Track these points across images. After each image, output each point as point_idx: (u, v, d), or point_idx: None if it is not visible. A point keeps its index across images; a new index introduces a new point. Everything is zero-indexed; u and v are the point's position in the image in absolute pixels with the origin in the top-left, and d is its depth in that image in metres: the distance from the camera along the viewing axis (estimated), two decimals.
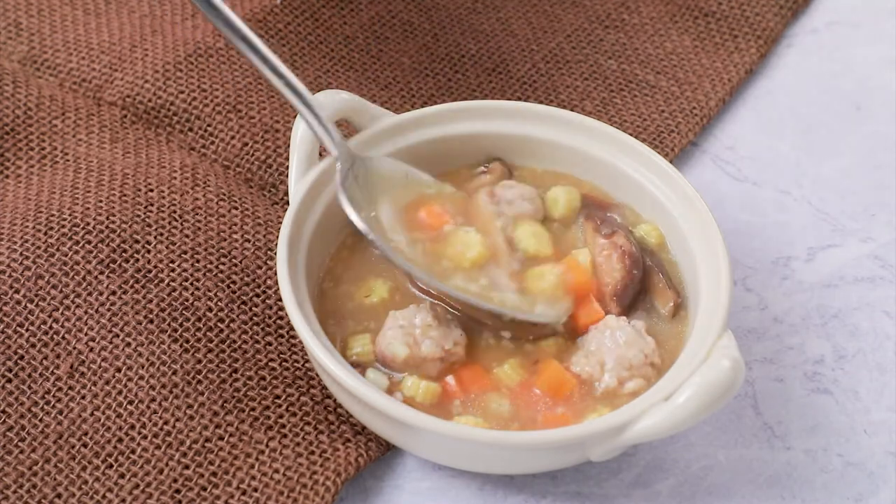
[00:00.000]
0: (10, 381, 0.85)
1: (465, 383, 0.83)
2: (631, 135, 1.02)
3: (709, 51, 1.12)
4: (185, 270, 0.90)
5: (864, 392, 0.90)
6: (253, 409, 0.85)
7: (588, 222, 0.92)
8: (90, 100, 1.04)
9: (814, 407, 0.89)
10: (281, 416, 0.85)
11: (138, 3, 1.12)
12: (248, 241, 0.93)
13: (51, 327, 0.87)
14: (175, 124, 1.02)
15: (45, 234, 0.91)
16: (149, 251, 0.91)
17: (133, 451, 0.82)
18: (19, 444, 0.82)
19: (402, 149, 0.93)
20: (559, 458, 0.81)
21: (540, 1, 1.15)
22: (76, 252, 0.90)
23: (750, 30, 1.14)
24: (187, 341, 0.87)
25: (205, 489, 0.81)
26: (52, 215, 0.92)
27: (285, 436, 0.84)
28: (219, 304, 0.89)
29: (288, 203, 0.94)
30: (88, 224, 0.91)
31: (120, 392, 0.85)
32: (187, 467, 0.82)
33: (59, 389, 0.85)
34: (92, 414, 0.84)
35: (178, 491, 0.81)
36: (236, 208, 0.95)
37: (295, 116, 0.99)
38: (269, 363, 0.87)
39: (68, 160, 0.98)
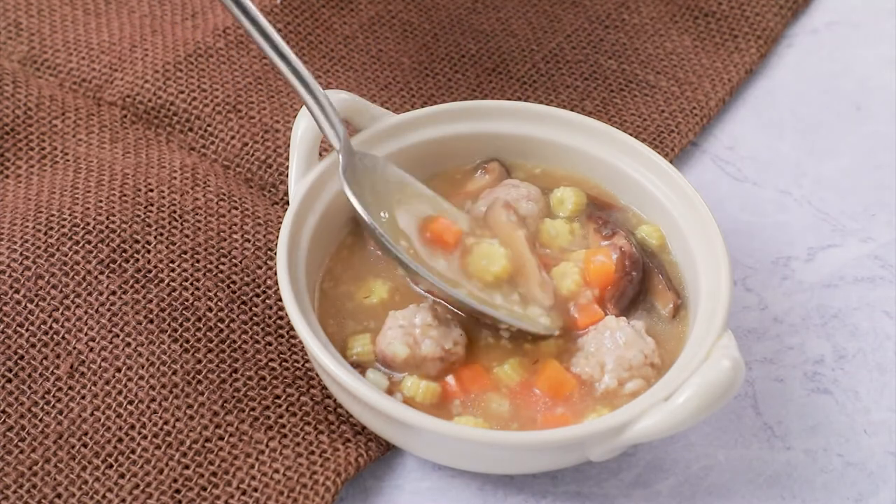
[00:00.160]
0: (10, 381, 0.85)
1: (465, 383, 0.83)
2: (631, 135, 1.02)
3: (709, 51, 1.12)
4: (185, 270, 0.90)
5: (864, 392, 0.90)
6: (253, 409, 0.85)
7: (589, 223, 0.92)
8: (90, 100, 1.04)
9: (814, 407, 0.89)
10: (281, 416, 0.85)
11: (138, 3, 1.12)
12: (248, 241, 0.93)
13: (51, 327, 0.87)
14: (175, 124, 1.02)
15: (45, 234, 0.91)
16: (149, 251, 0.91)
17: (133, 451, 0.82)
18: (19, 444, 0.82)
19: (402, 149, 0.93)
20: (559, 458, 0.81)
21: (540, 1, 1.15)
22: (76, 252, 0.90)
23: (750, 30, 1.14)
24: (187, 341, 0.87)
25: (205, 489, 0.81)
26: (52, 215, 0.92)
27: (285, 436, 0.84)
28: (219, 304, 0.89)
29: (288, 203, 0.94)
30: (88, 224, 0.91)
31: (120, 392, 0.85)
32: (187, 467, 0.82)
33: (59, 389, 0.85)
34: (92, 414, 0.84)
35: (178, 491, 0.81)
36: (236, 208, 0.95)
37: (295, 116, 0.99)
38: (269, 363, 0.87)
39: (68, 160, 0.98)
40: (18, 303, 0.88)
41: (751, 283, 0.96)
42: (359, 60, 1.08)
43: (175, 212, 0.93)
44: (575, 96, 1.07)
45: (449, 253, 0.87)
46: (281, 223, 0.91)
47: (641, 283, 0.88)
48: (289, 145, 0.95)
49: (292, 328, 0.89)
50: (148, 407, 0.84)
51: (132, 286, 0.89)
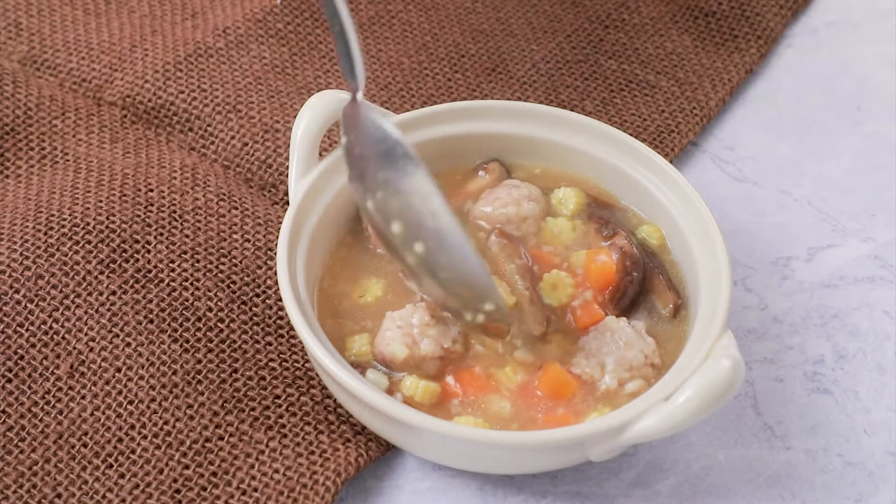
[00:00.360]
0: (10, 381, 0.85)
1: (465, 384, 0.83)
2: (631, 135, 1.02)
3: (709, 51, 1.12)
4: (185, 270, 0.90)
5: (864, 392, 0.90)
6: (253, 409, 0.85)
7: (590, 223, 0.92)
8: (90, 100, 1.04)
9: (814, 407, 0.89)
10: (281, 416, 0.85)
11: (138, 3, 1.12)
12: (248, 241, 0.93)
13: (51, 327, 0.87)
14: (175, 124, 1.02)
15: (45, 234, 0.91)
16: (149, 251, 0.91)
17: (133, 451, 0.82)
18: (19, 444, 0.82)
19: None
20: (559, 458, 0.81)
21: (540, 1, 1.15)
22: (76, 252, 0.90)
23: (750, 30, 1.14)
24: (187, 341, 0.87)
25: (205, 489, 0.81)
26: (52, 215, 0.92)
27: (285, 436, 0.84)
28: (219, 304, 0.89)
29: (288, 203, 0.94)
30: (88, 224, 0.91)
31: (120, 392, 0.85)
32: (187, 467, 0.82)
33: (59, 389, 0.85)
34: (92, 414, 0.84)
35: (178, 491, 0.81)
36: (236, 208, 0.95)
37: (295, 116, 0.99)
38: (269, 363, 0.87)
39: (68, 160, 0.98)
40: (18, 303, 0.88)
41: (751, 283, 0.96)
42: None
43: (175, 212, 0.93)
44: (575, 96, 1.07)
45: None
46: (281, 223, 0.91)
47: (642, 284, 0.88)
48: (289, 145, 0.95)
49: (292, 328, 0.89)
50: (148, 407, 0.84)
51: (132, 286, 0.89)
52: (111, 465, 0.82)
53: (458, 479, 0.85)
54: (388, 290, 0.88)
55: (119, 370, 0.85)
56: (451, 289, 0.82)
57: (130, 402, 0.84)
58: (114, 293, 0.88)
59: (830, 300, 0.95)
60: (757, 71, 1.12)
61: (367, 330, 0.86)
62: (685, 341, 0.85)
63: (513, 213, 0.91)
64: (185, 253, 0.91)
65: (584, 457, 0.81)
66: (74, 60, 1.07)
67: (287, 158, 0.99)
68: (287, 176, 0.98)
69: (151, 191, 0.94)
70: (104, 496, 0.81)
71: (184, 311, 0.88)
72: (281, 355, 0.88)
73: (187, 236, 0.92)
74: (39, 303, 0.88)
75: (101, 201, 0.93)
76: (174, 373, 0.85)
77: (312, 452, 0.83)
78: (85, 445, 0.82)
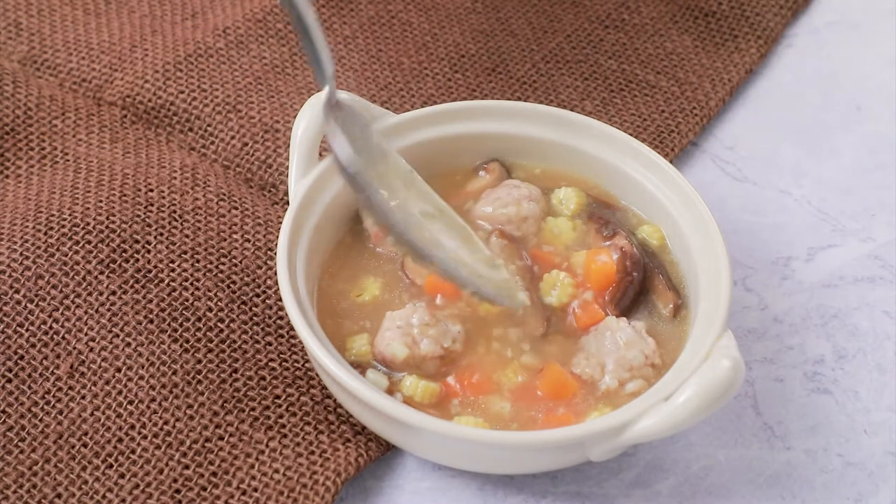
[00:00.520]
0: (10, 381, 0.85)
1: (465, 384, 0.83)
2: (631, 135, 1.01)
3: (709, 51, 1.12)
4: (185, 270, 0.90)
5: (864, 392, 0.90)
6: (253, 409, 0.85)
7: (590, 223, 0.92)
8: (90, 100, 1.04)
9: (814, 407, 0.89)
10: (281, 416, 0.85)
11: (138, 3, 1.12)
12: (248, 241, 0.93)
13: (51, 327, 0.87)
14: (175, 124, 1.02)
15: (45, 234, 0.91)
16: (149, 251, 0.91)
17: (133, 451, 0.82)
18: (19, 444, 0.82)
19: (402, 149, 0.93)
20: (559, 458, 0.81)
21: (540, 1, 1.15)
22: (76, 252, 0.90)
23: (750, 30, 1.14)
24: (187, 341, 0.87)
25: (205, 489, 0.81)
26: (52, 215, 0.92)
27: (285, 436, 0.84)
28: (219, 304, 0.89)
29: (288, 203, 0.94)
30: (88, 224, 0.91)
31: (120, 392, 0.85)
32: (187, 467, 0.82)
33: (59, 389, 0.85)
34: (92, 414, 0.84)
35: (178, 491, 0.81)
36: (236, 208, 0.95)
37: (295, 116, 0.99)
38: (269, 363, 0.87)
39: (68, 160, 0.98)
40: (18, 303, 0.88)
41: (751, 283, 0.96)
42: (359, 60, 1.08)
43: (175, 212, 0.93)
44: (575, 96, 1.07)
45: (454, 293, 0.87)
46: (281, 223, 0.91)
47: (642, 284, 0.88)
48: (289, 145, 0.95)
49: (292, 328, 0.89)
50: (148, 407, 0.84)
51: (132, 286, 0.89)
52: (111, 465, 0.82)
53: (458, 479, 0.85)
54: (385, 290, 0.88)
55: (119, 370, 0.85)
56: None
57: (130, 402, 0.84)
58: (114, 293, 0.88)
59: (830, 300, 0.95)
60: (757, 71, 1.12)
61: (366, 330, 0.86)
62: (685, 341, 0.85)
63: (513, 214, 0.91)
64: (185, 253, 0.91)
65: (584, 457, 0.81)
66: (74, 60, 1.07)
67: (287, 158, 0.99)
68: (287, 176, 0.98)
69: (151, 191, 0.94)
70: (104, 496, 0.81)
71: (184, 311, 0.88)
72: (281, 355, 0.88)
73: (187, 236, 0.92)
74: (39, 303, 0.88)
75: (101, 201, 0.93)
76: (174, 373, 0.85)
77: (312, 452, 0.83)
78: (85, 445, 0.82)
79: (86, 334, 0.87)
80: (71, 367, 0.86)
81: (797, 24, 1.17)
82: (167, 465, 0.82)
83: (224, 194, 0.95)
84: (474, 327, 0.86)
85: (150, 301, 0.88)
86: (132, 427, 0.83)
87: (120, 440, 0.83)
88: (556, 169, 0.95)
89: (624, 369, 0.83)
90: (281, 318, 0.89)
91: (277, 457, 0.83)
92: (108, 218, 0.92)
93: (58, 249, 0.90)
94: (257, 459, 0.83)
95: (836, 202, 1.02)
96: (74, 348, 0.86)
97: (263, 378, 0.86)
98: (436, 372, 0.84)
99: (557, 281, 0.88)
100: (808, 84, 1.12)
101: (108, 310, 0.88)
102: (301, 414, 0.85)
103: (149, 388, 0.85)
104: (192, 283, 0.89)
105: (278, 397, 0.85)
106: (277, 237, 0.93)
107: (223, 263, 0.91)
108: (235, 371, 0.86)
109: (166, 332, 0.87)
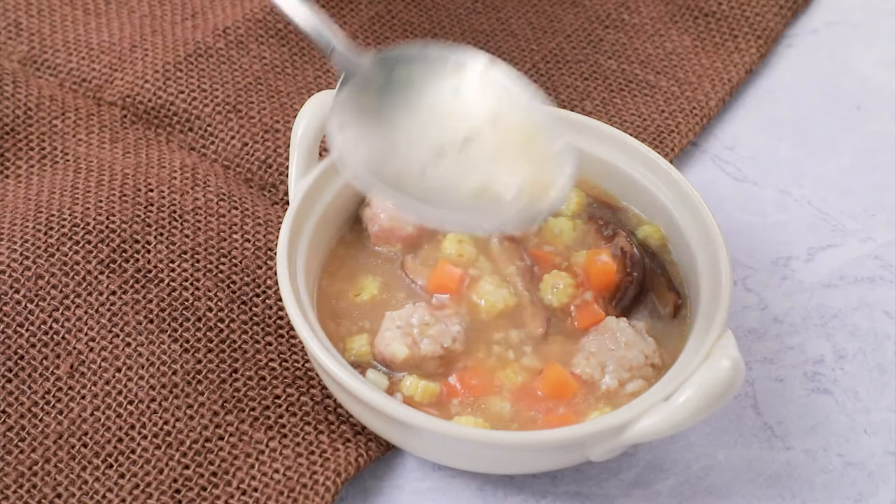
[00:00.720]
0: (10, 381, 0.85)
1: (465, 384, 0.83)
2: (631, 135, 1.01)
3: (709, 51, 1.12)
4: (185, 270, 0.90)
5: (864, 392, 0.90)
6: (253, 409, 0.85)
7: (590, 223, 0.92)
8: (90, 100, 1.04)
9: (814, 407, 0.89)
10: (281, 416, 0.85)
11: (138, 3, 1.12)
12: (248, 241, 0.93)
13: (51, 327, 0.87)
14: (175, 124, 1.02)
15: (45, 234, 0.91)
16: (149, 251, 0.91)
17: (133, 451, 0.82)
18: (19, 444, 0.82)
19: None
20: (559, 458, 0.81)
21: (540, 1, 1.15)
22: (76, 252, 0.90)
23: (750, 30, 1.14)
24: (187, 341, 0.87)
25: (205, 489, 0.81)
26: (52, 215, 0.92)
27: (285, 436, 0.84)
28: (219, 304, 0.89)
29: (288, 203, 0.94)
30: (88, 224, 0.91)
31: (120, 392, 0.85)
32: (187, 467, 0.82)
33: (59, 389, 0.85)
34: (92, 414, 0.84)
35: (178, 491, 0.81)
36: (236, 208, 0.95)
37: (295, 116, 0.99)
38: (269, 363, 0.87)
39: (68, 160, 0.98)
40: (18, 303, 0.88)
41: (751, 283, 0.96)
42: None
43: (175, 212, 0.93)
44: (575, 96, 1.07)
45: (456, 293, 0.87)
46: (281, 223, 0.91)
47: (642, 284, 0.88)
48: (289, 145, 0.95)
49: (292, 328, 0.89)
50: (148, 407, 0.84)
51: (132, 286, 0.89)
52: (111, 465, 0.82)
53: (458, 479, 0.85)
54: (384, 289, 0.88)
55: (119, 370, 0.85)
56: None
57: (130, 402, 0.84)
58: (114, 293, 0.88)
59: (830, 300, 0.95)
60: (757, 71, 1.12)
61: (365, 330, 0.86)
62: (685, 341, 0.85)
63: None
64: (185, 253, 0.91)
65: (584, 457, 0.81)
66: (74, 60, 1.07)
67: (287, 158, 0.99)
68: (287, 176, 0.98)
69: (151, 191, 0.94)
70: (104, 496, 0.81)
71: (184, 311, 0.88)
72: (281, 355, 0.88)
73: (187, 236, 0.92)
74: (39, 303, 0.88)
75: (101, 201, 0.93)
76: (174, 373, 0.85)
77: (312, 452, 0.83)
78: (85, 445, 0.82)
79: (86, 334, 0.87)
80: (71, 367, 0.86)
81: (797, 24, 1.17)
82: (167, 465, 0.82)
83: (224, 194, 0.95)
84: (474, 328, 0.86)
85: (150, 301, 0.88)
86: (132, 427, 0.83)
87: (120, 440, 0.83)
88: None
89: (624, 369, 0.83)
90: (281, 318, 0.89)
91: (277, 457, 0.83)
92: (108, 218, 0.92)
93: (58, 249, 0.90)
94: (257, 459, 0.83)
95: (836, 202, 1.02)
96: (74, 348, 0.86)
97: (263, 378, 0.86)
98: (436, 372, 0.84)
99: (557, 281, 0.88)
100: (808, 84, 1.12)
101: (108, 310, 0.88)
102: (301, 414, 0.85)
103: (149, 388, 0.85)
104: (192, 283, 0.89)
105: (278, 397, 0.85)
106: (277, 237, 0.93)
107: (223, 263, 0.91)
108: (235, 371, 0.86)
109: (166, 332, 0.87)
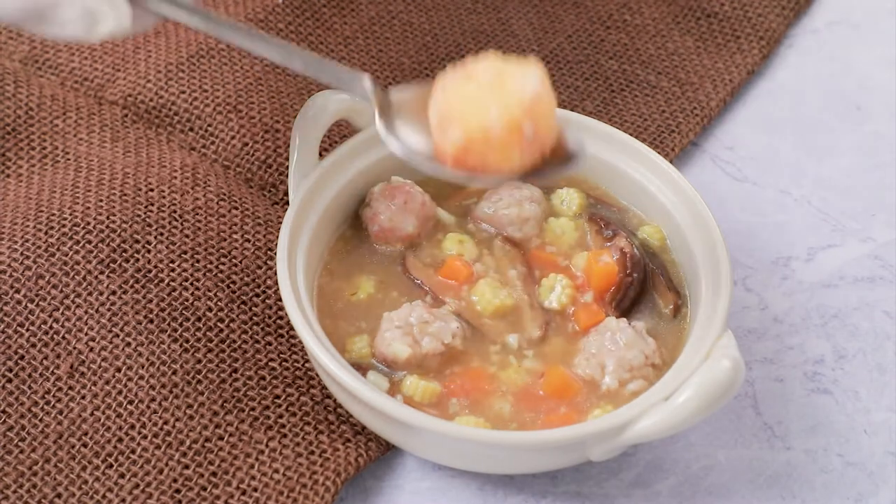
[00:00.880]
0: (10, 381, 0.85)
1: (465, 384, 0.83)
2: (631, 135, 1.01)
3: (710, 51, 1.12)
4: (185, 270, 0.90)
5: (864, 392, 0.90)
6: (253, 409, 0.85)
7: (591, 224, 0.92)
8: (91, 99, 1.04)
9: (814, 407, 0.89)
10: (281, 416, 0.85)
11: None
12: (248, 241, 0.93)
13: (51, 327, 0.87)
14: (176, 124, 1.03)
15: (46, 233, 0.91)
16: (149, 251, 0.91)
17: (133, 451, 0.82)
18: (19, 444, 0.82)
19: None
20: (559, 458, 0.81)
21: (541, 1, 1.15)
22: (76, 252, 0.90)
23: (752, 30, 1.14)
24: (187, 341, 0.87)
25: (205, 489, 0.81)
26: (53, 215, 0.92)
27: (285, 436, 0.84)
28: (219, 304, 0.89)
29: (288, 203, 0.94)
30: (89, 224, 0.91)
31: (120, 392, 0.85)
32: (187, 467, 0.82)
33: (59, 389, 0.85)
34: (92, 414, 0.84)
35: (178, 491, 0.81)
36: (236, 208, 0.95)
37: (295, 117, 0.99)
38: (269, 363, 0.87)
39: (69, 159, 0.98)
40: (19, 303, 0.88)
41: (751, 283, 0.96)
42: (359, 61, 1.08)
43: (175, 211, 0.93)
44: (575, 96, 1.07)
45: (459, 286, 0.88)
46: (281, 223, 0.91)
47: (643, 284, 0.88)
48: (289, 145, 0.95)
49: (292, 328, 0.89)
50: (148, 407, 0.84)
51: (132, 286, 0.89)
52: (111, 465, 0.82)
53: (458, 479, 0.85)
54: (380, 288, 0.88)
55: (119, 370, 0.85)
56: None
57: (130, 402, 0.84)
58: (114, 293, 0.88)
59: (830, 300, 0.95)
60: (756, 71, 1.12)
61: (363, 331, 0.86)
62: (685, 341, 0.85)
63: (514, 215, 0.91)
64: (185, 253, 0.91)
65: (584, 457, 0.81)
66: (76, 60, 1.07)
67: (287, 158, 0.99)
68: (287, 176, 0.98)
69: (152, 190, 0.94)
70: (104, 496, 0.81)
71: (184, 311, 0.88)
72: (281, 355, 0.88)
73: (187, 236, 0.92)
74: (40, 303, 0.88)
75: (101, 201, 0.93)
76: (174, 373, 0.85)
77: (312, 452, 0.83)
78: (85, 445, 0.83)
79: (86, 334, 0.87)
80: (71, 367, 0.86)
81: (797, 24, 1.17)
82: (167, 465, 0.82)
83: (224, 194, 0.96)
84: (473, 329, 0.86)
85: (150, 301, 0.88)
86: (132, 427, 0.83)
87: (120, 440, 0.83)
88: None
89: (624, 370, 0.83)
90: (281, 318, 0.89)
91: (277, 457, 0.83)
92: (108, 217, 0.92)
93: (58, 249, 0.90)
94: (257, 459, 0.83)
95: (836, 202, 1.02)
96: (74, 348, 0.86)
97: (263, 378, 0.86)
98: (437, 369, 0.84)
99: (556, 284, 0.88)
100: (808, 84, 1.12)
101: (108, 310, 0.88)
102: (301, 414, 0.85)
103: (149, 388, 0.85)
104: (192, 283, 0.89)
105: (278, 397, 0.86)
106: (277, 237, 0.93)
107: (223, 263, 0.91)
108: (235, 371, 0.86)
109: (166, 332, 0.87)
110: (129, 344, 0.86)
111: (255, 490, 0.81)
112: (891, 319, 0.94)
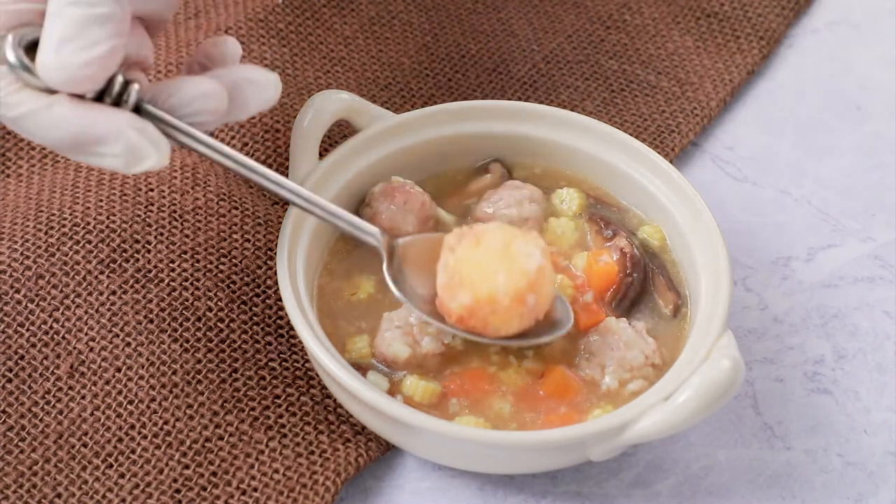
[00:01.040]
0: (10, 381, 0.85)
1: (465, 384, 0.83)
2: (631, 135, 1.02)
3: (710, 51, 1.12)
4: (185, 270, 0.90)
5: (864, 392, 0.90)
6: (253, 409, 0.85)
7: (591, 224, 0.92)
8: None
9: (814, 407, 0.89)
10: (281, 416, 0.85)
11: None
12: (248, 241, 0.93)
13: (51, 327, 0.87)
14: None
15: (46, 233, 0.91)
16: (149, 251, 0.91)
17: (133, 451, 0.82)
18: (19, 444, 0.82)
19: (402, 149, 0.93)
20: (559, 458, 0.81)
21: (541, 1, 1.15)
22: (76, 252, 0.90)
23: (752, 30, 1.14)
24: (187, 341, 0.87)
25: (205, 489, 0.81)
26: (53, 215, 0.92)
27: (285, 436, 0.84)
28: (219, 304, 0.89)
29: (288, 203, 0.94)
30: (89, 224, 0.91)
31: (120, 392, 0.85)
32: (187, 467, 0.82)
33: (59, 389, 0.85)
34: (92, 414, 0.84)
35: (178, 491, 0.81)
36: (236, 208, 0.95)
37: (295, 117, 0.99)
38: (269, 363, 0.87)
39: (69, 159, 0.98)
40: (19, 303, 0.88)
41: (751, 283, 0.96)
42: (359, 60, 1.08)
43: (175, 212, 0.93)
44: (575, 96, 1.07)
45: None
46: (281, 223, 0.91)
47: (643, 284, 0.88)
48: (289, 145, 0.95)
49: (292, 328, 0.89)
50: (148, 407, 0.84)
51: (132, 286, 0.89)
52: (111, 465, 0.82)
53: (458, 479, 0.85)
54: (380, 288, 0.88)
55: (119, 370, 0.85)
56: None
57: (130, 402, 0.84)
58: (114, 293, 0.88)
59: (830, 300, 0.95)
60: (756, 70, 1.12)
61: (363, 331, 0.86)
62: (685, 341, 0.85)
63: (515, 215, 0.91)
64: (185, 253, 0.91)
65: (584, 457, 0.81)
66: None
67: (287, 158, 0.99)
68: (287, 176, 0.98)
69: (152, 190, 0.94)
70: (104, 496, 0.81)
71: (184, 311, 0.88)
72: (281, 355, 0.88)
73: (187, 236, 0.92)
74: (40, 303, 0.88)
75: (101, 201, 0.93)
76: (174, 373, 0.85)
77: (312, 452, 0.83)
78: (85, 445, 0.83)
79: (86, 334, 0.87)
80: (71, 367, 0.86)
81: (797, 24, 1.17)
82: (167, 465, 0.82)
83: (224, 194, 0.95)
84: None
85: (150, 301, 0.88)
86: (132, 427, 0.83)
87: (120, 440, 0.83)
88: (557, 169, 0.95)
89: (624, 370, 0.83)
90: (281, 318, 0.89)
91: (277, 457, 0.83)
92: (108, 217, 0.92)
93: (58, 249, 0.90)
94: (257, 459, 0.83)
95: (836, 202, 1.02)
96: (74, 348, 0.86)
97: (263, 378, 0.86)
98: (437, 369, 0.84)
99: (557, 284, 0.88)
100: (808, 84, 1.12)
101: (108, 310, 0.88)
102: (301, 414, 0.85)
103: (149, 388, 0.85)
104: (192, 283, 0.89)
105: (278, 397, 0.86)
106: (277, 237, 0.93)
107: (223, 263, 0.91)
108: (235, 371, 0.86)
109: (166, 332, 0.87)
110: (129, 344, 0.86)
111: (255, 490, 0.81)
112: (891, 319, 0.94)
